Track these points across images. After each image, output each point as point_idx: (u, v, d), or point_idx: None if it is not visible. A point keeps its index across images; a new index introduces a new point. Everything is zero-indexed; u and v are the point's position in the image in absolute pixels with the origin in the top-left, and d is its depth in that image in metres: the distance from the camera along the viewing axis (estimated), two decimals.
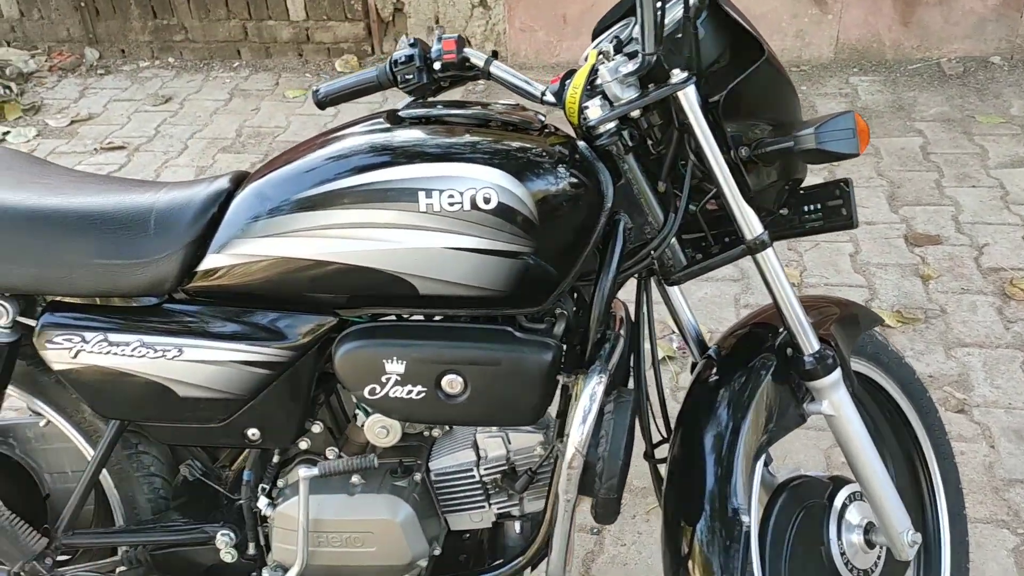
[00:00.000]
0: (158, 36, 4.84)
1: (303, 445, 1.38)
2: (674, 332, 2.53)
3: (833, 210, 1.31)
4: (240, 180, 1.31)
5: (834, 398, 1.32)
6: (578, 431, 1.17)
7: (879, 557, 1.45)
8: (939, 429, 1.63)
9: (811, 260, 2.82)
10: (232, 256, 1.23)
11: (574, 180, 1.19)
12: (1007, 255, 2.80)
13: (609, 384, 1.21)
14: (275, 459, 1.39)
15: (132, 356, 1.28)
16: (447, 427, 1.43)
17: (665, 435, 1.43)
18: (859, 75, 4.11)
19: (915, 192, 3.18)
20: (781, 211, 1.35)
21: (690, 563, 1.28)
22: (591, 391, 1.18)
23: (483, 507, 1.39)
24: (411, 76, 1.30)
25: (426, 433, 1.41)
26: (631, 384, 1.37)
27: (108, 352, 1.28)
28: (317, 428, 1.37)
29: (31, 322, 1.33)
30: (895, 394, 1.56)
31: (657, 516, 1.98)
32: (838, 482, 1.45)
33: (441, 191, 1.15)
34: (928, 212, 3.05)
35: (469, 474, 1.37)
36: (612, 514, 1.22)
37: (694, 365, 1.48)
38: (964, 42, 4.10)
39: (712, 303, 2.68)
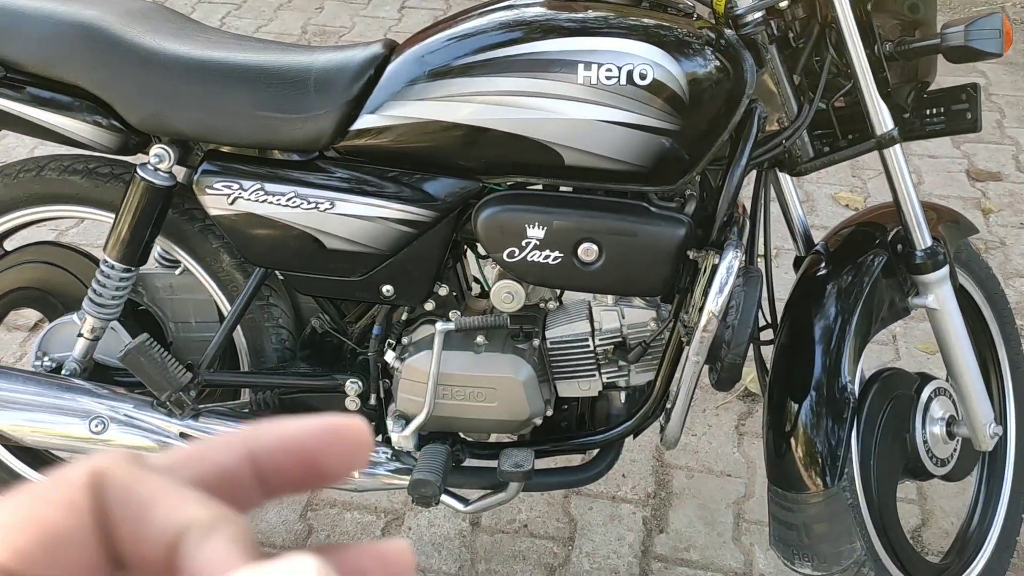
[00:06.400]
0: None
1: (429, 306, 1.46)
2: None
3: (957, 114, 1.37)
4: (392, 47, 1.37)
5: (939, 292, 1.40)
6: (714, 300, 1.25)
7: (955, 450, 1.54)
8: (1015, 340, 1.71)
9: (875, 188, 2.87)
10: (386, 117, 1.30)
11: (721, 64, 1.25)
12: None
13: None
14: (403, 316, 1.48)
15: (286, 206, 1.35)
16: (559, 301, 1.51)
17: (769, 320, 1.52)
18: None
19: None
20: (903, 114, 1.41)
21: (792, 440, 1.37)
22: (728, 264, 1.25)
23: (593, 376, 1.47)
24: None
25: (541, 305, 1.49)
26: None
27: (263, 200, 1.35)
28: (444, 291, 1.44)
29: (184, 171, 1.41)
30: (979, 301, 1.63)
31: (727, 412, 2.08)
32: (924, 378, 1.54)
33: (599, 64, 1.21)
34: (989, 150, 3.09)
35: (584, 343, 1.44)
36: (733, 380, 1.31)
37: (797, 259, 1.56)
38: None
39: None
